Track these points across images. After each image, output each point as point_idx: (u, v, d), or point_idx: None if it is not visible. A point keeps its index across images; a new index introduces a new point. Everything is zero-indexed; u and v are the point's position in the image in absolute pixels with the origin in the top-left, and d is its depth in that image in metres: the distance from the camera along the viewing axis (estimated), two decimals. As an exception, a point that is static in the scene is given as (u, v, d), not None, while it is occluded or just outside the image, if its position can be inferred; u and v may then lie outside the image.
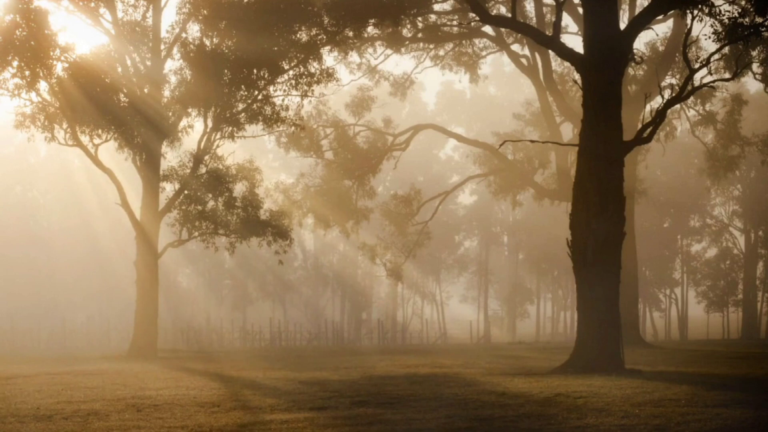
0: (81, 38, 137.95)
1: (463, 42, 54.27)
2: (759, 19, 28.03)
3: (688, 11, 28.58)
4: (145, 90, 42.83)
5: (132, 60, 43.80)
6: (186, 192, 43.23)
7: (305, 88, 42.52)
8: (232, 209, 43.76)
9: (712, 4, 28.66)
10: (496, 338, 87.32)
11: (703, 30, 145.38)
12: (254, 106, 42.14)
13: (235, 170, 44.39)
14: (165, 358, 41.48)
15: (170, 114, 42.90)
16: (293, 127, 43.91)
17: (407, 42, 51.65)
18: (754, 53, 48.49)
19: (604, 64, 27.48)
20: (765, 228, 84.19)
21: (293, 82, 42.42)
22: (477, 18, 41.62)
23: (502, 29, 50.73)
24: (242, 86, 41.53)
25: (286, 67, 42.33)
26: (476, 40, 54.62)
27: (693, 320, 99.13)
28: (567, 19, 54.96)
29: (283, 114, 42.48)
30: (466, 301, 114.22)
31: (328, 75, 42.80)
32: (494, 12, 49.76)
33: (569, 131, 57.71)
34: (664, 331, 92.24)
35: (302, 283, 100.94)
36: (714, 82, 29.46)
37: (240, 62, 40.75)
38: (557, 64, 54.39)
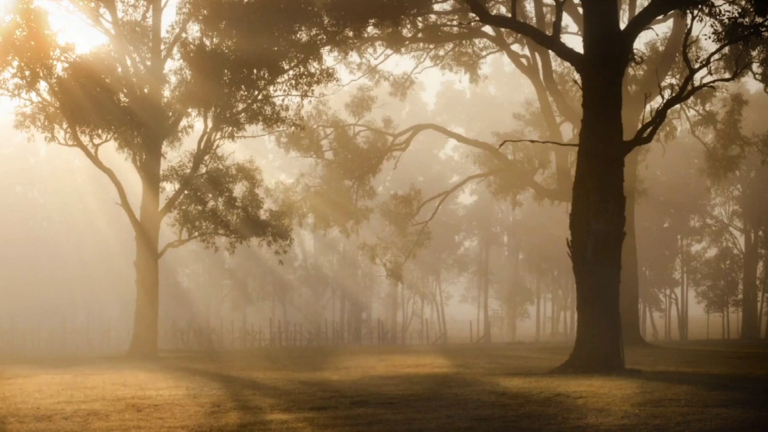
0: (81, 38, 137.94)
1: (463, 42, 54.23)
2: (759, 19, 28.05)
3: (688, 11, 28.60)
4: (145, 90, 42.83)
5: (132, 60, 43.81)
6: (186, 192, 43.23)
7: (305, 88, 42.51)
8: (232, 209, 43.74)
9: (712, 4, 28.69)
10: (496, 338, 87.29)
11: (703, 30, 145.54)
12: (254, 106, 42.13)
13: (235, 170, 44.38)
14: (165, 358, 41.49)
15: (170, 114, 42.89)
16: (293, 127, 43.91)
17: (407, 42, 51.60)
18: (754, 53, 48.48)
19: (604, 64, 27.50)
20: (765, 228, 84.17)
21: (293, 82, 42.41)
22: (477, 18, 41.59)
23: (502, 29, 50.69)
24: (242, 86, 41.51)
25: (286, 67, 42.31)
26: (476, 40, 54.57)
27: (693, 320, 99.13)
28: (567, 19, 55.01)
29: (283, 114, 42.48)
30: (466, 301, 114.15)
31: (328, 75, 42.79)
32: (494, 12, 49.74)
33: (569, 131, 57.68)
34: (664, 331, 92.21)
35: (302, 283, 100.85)
36: (714, 82, 29.48)
37: (240, 62, 40.74)
38: (557, 64, 54.37)
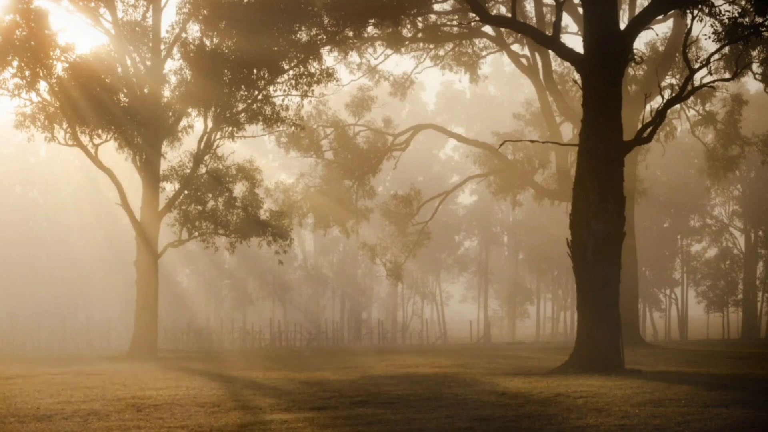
0: (81, 38, 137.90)
1: (463, 42, 54.22)
2: (759, 19, 28.06)
3: (688, 11, 28.60)
4: (145, 90, 42.83)
5: (132, 60, 43.81)
6: (186, 192, 43.23)
7: (305, 88, 42.52)
8: (232, 209, 43.76)
9: (712, 4, 28.70)
10: (496, 338, 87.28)
11: (703, 30, 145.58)
12: (254, 106, 42.14)
13: (235, 170, 44.41)
14: (165, 358, 41.48)
15: (170, 114, 42.90)
16: (293, 127, 43.94)
17: (407, 42, 51.59)
18: (754, 53, 48.49)
19: (604, 64, 27.51)
20: (765, 228, 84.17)
21: (293, 82, 42.42)
22: (477, 18, 41.59)
23: (502, 29, 50.70)
24: (242, 86, 41.52)
25: (286, 67, 42.33)
26: (476, 40, 54.56)
27: (693, 320, 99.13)
28: (567, 19, 55.00)
29: (283, 114, 42.50)
30: (466, 301, 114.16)
31: (328, 75, 42.80)
32: (494, 12, 49.74)
33: (569, 131, 57.67)
34: (664, 331, 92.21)
35: (302, 283, 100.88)
36: (714, 82, 29.48)
37: (240, 62, 40.75)
38: (557, 64, 54.36)
